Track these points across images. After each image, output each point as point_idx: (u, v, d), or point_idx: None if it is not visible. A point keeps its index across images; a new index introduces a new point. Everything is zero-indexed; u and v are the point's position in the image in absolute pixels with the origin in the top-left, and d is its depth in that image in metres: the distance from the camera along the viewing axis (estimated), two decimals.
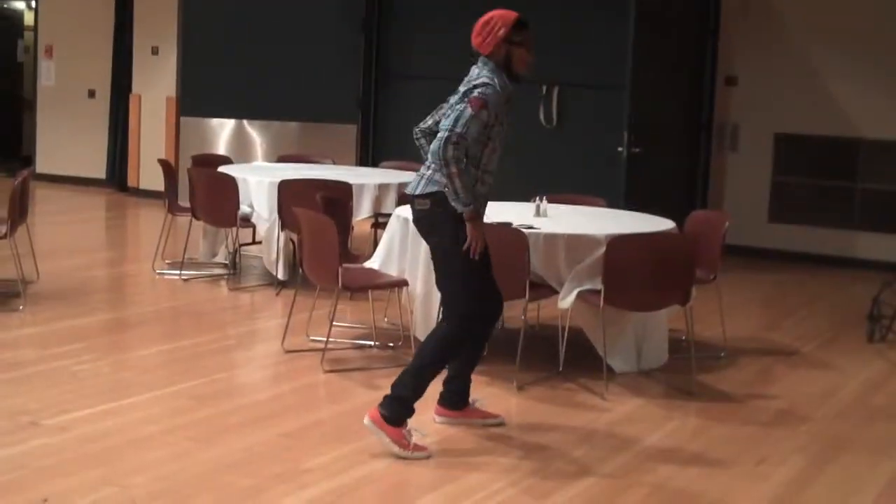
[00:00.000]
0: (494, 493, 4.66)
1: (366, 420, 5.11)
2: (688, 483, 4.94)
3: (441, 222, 5.15)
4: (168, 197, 9.54)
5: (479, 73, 5.16)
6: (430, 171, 5.15)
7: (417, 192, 5.19)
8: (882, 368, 7.13)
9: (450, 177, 4.96)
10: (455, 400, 5.53)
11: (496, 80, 5.11)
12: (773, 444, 5.54)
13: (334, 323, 6.66)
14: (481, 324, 5.33)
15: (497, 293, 5.35)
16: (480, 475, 4.86)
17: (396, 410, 5.09)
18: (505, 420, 5.58)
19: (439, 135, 5.02)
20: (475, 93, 5.04)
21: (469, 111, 5.00)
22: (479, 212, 5.13)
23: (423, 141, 5.42)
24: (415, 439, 5.06)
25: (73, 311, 7.73)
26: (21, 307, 7.69)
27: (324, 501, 4.53)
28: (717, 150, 11.48)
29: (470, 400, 5.57)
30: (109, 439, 5.15)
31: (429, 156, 5.16)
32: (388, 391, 5.15)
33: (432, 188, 5.12)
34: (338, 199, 7.93)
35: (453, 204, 5.02)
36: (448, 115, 5.07)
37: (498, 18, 5.18)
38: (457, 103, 5.10)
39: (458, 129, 4.97)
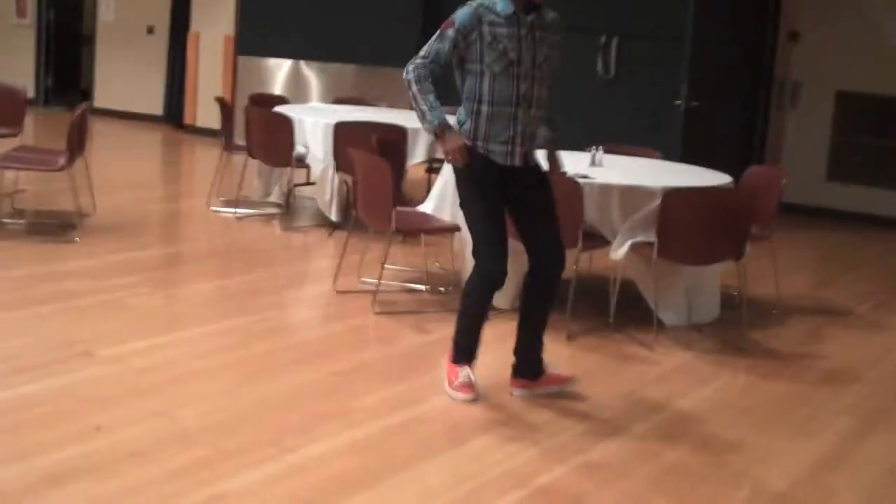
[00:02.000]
0: (539, 441, 4.66)
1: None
2: (733, 438, 4.92)
3: (455, 171, 5.06)
4: (224, 135, 9.58)
5: None
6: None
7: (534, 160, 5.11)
8: None
9: (413, 98, 4.85)
10: (525, 369, 5.22)
11: (488, 1, 4.86)
12: (821, 404, 5.50)
13: (386, 266, 6.68)
14: (490, 282, 5.02)
15: (500, 258, 4.96)
16: (526, 423, 4.87)
17: (454, 351, 5.14)
18: (577, 379, 5.35)
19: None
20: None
21: (438, 32, 4.88)
22: (497, 151, 4.91)
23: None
24: (461, 380, 5.06)
25: (128, 245, 7.81)
26: (77, 239, 7.77)
27: (370, 441, 4.56)
28: (776, 106, 11.33)
29: (545, 364, 5.26)
30: (161, 372, 5.22)
31: None
32: (436, 335, 5.21)
33: None
34: (393, 142, 7.92)
35: (424, 128, 4.91)
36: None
37: None
38: None
39: (423, 51, 4.88)
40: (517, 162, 4.95)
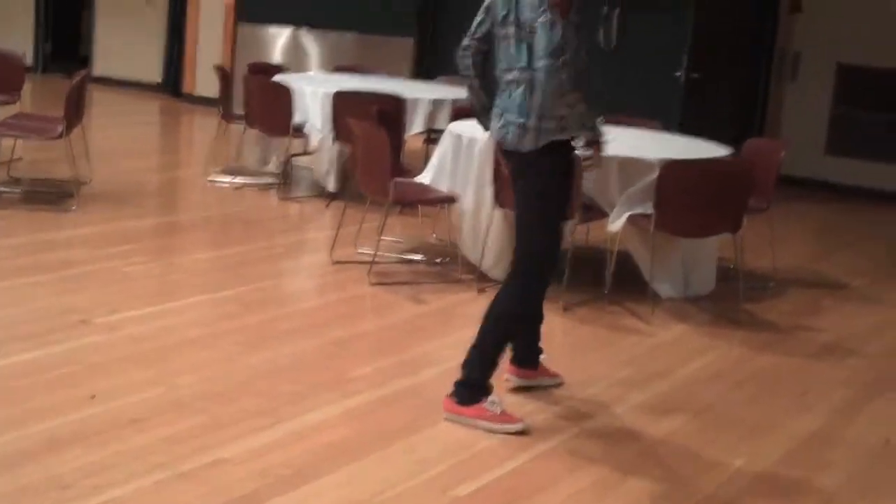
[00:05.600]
0: (533, 412, 4.67)
1: (444, 416, 4.50)
2: (728, 410, 4.94)
3: (540, 170, 4.39)
4: (223, 104, 9.56)
5: None
6: (533, 119, 4.27)
7: (525, 148, 4.34)
8: None
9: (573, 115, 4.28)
10: (518, 356, 4.90)
11: None
12: (817, 377, 5.51)
13: (383, 237, 6.68)
14: (545, 287, 4.55)
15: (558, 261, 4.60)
16: (520, 397, 4.87)
17: (471, 391, 4.47)
18: (563, 380, 5.01)
19: (543, 64, 4.19)
20: None
21: (558, 22, 4.19)
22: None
23: (477, 59, 4.54)
24: (501, 409, 4.46)
25: (125, 214, 7.81)
26: (74, 207, 7.76)
27: (365, 410, 4.58)
28: (776, 79, 11.30)
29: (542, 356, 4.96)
30: (158, 340, 5.22)
31: (509, 93, 4.37)
32: (433, 305, 5.14)
33: (545, 140, 4.31)
34: (391, 112, 7.90)
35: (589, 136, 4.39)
36: (536, 33, 4.23)
37: None
38: (534, 12, 4.23)
39: (567, 55, 4.18)
40: (500, 139, 4.49)
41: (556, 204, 4.45)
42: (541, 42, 4.19)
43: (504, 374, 4.84)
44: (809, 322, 6.49)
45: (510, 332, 4.59)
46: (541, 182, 4.39)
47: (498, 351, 4.51)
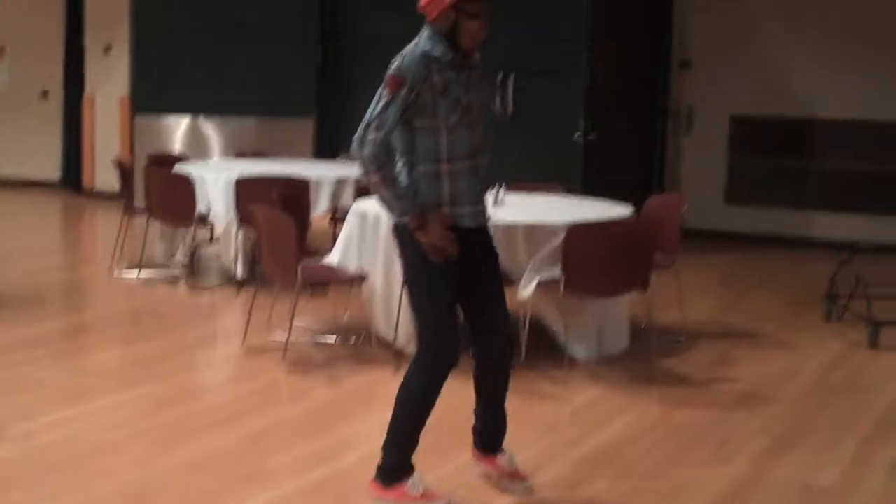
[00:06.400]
0: (457, 487, 4.65)
1: (371, 499, 4.40)
2: (652, 467, 4.97)
3: (401, 242, 4.34)
4: (124, 198, 9.47)
5: (412, 43, 4.26)
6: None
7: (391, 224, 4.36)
8: (841, 347, 7.19)
9: (374, 186, 4.15)
10: (477, 440, 4.69)
11: (427, 47, 4.19)
12: (735, 427, 5.58)
13: (295, 320, 6.64)
14: (447, 364, 4.32)
15: (454, 333, 4.34)
16: (447, 467, 4.85)
17: (389, 473, 4.37)
18: (532, 487, 4.68)
19: (356, 133, 4.14)
20: (390, 70, 4.16)
21: (385, 95, 4.12)
22: (467, 213, 4.28)
23: None
24: (422, 489, 4.35)
25: (31, 317, 7.66)
26: None
27: (289, 500, 4.52)
28: (673, 133, 11.54)
29: (502, 450, 4.67)
30: (72, 446, 5.11)
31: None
32: (349, 387, 5.11)
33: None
34: (295, 195, 7.90)
35: (391, 217, 4.26)
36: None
37: None
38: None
39: (374, 122, 4.09)
40: (485, 219, 4.40)
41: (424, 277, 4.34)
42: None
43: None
44: (723, 373, 6.57)
45: (416, 412, 4.38)
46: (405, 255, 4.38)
47: (409, 430, 4.36)
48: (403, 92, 4.11)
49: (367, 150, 4.09)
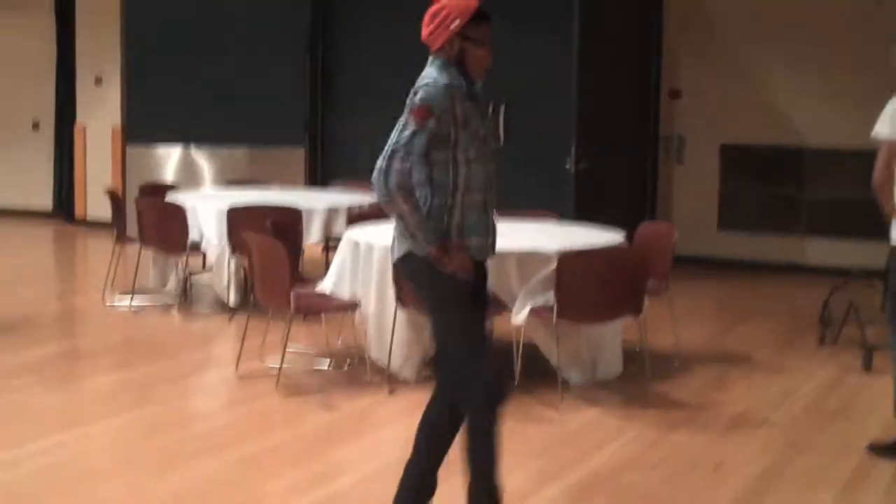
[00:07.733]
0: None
1: None
2: (647, 491, 4.96)
3: (420, 274, 4.22)
4: (116, 227, 9.46)
5: (424, 74, 4.18)
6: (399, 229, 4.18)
7: (396, 257, 4.24)
8: (834, 371, 7.19)
9: (402, 215, 4.04)
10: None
11: (443, 78, 4.11)
12: (730, 449, 5.57)
13: (288, 347, 6.63)
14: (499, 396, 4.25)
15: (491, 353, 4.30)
16: (440, 493, 4.84)
17: None
18: None
19: (378, 163, 4.04)
20: (416, 100, 4.07)
21: (412, 123, 4.04)
22: (474, 246, 4.18)
23: None
24: None
25: (24, 344, 7.63)
26: None
27: None
28: (664, 162, 11.57)
29: None
30: (63, 473, 5.09)
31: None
32: (343, 411, 5.08)
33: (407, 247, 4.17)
34: (287, 223, 7.91)
35: (414, 249, 4.11)
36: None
37: (452, 8, 4.12)
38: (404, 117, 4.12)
39: (400, 152, 4.00)
40: (492, 253, 4.32)
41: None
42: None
43: None
44: (718, 397, 6.57)
45: (488, 451, 4.28)
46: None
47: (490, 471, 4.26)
48: (431, 122, 4.02)
49: (394, 179, 3.98)
